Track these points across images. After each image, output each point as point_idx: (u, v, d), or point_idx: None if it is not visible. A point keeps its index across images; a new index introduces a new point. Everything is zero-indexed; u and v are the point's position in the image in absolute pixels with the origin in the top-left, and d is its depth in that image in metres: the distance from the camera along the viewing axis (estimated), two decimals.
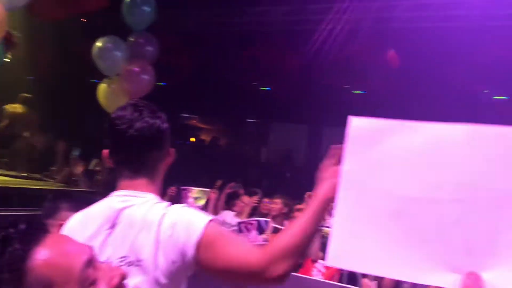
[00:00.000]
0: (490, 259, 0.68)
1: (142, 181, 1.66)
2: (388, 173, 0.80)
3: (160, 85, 11.92)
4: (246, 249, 1.51)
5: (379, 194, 0.79)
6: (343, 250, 0.81)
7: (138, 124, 1.63)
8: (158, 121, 1.67)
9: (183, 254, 1.51)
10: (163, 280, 1.51)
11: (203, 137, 15.58)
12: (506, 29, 8.73)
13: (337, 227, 0.82)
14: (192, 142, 15.38)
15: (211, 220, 1.54)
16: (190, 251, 1.50)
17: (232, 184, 6.90)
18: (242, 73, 11.02)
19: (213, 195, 6.45)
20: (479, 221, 0.71)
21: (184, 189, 6.27)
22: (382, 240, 0.77)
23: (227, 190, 6.72)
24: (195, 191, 6.20)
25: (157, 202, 1.62)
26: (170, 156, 1.75)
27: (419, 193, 0.76)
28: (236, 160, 12.34)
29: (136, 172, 1.67)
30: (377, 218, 0.79)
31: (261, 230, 5.42)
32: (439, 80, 9.39)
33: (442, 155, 0.76)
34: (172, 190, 6.33)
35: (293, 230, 1.45)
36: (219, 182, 6.98)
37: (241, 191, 6.78)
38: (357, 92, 11.16)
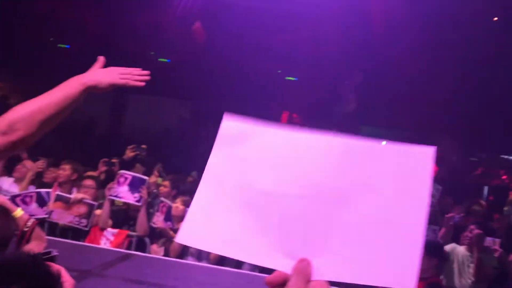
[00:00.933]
0: (322, 248, 0.80)
1: None
2: (247, 168, 0.91)
3: None
4: None
5: (236, 186, 0.90)
6: (195, 230, 0.88)
7: None
8: None
9: None
10: None
11: None
12: (301, 16, 9.61)
13: (194, 210, 0.89)
14: None
15: None
16: None
17: None
18: (37, 26, 9.96)
19: None
20: (317, 215, 0.83)
21: None
22: (232, 225, 0.87)
23: None
24: None
25: None
26: None
27: (271, 188, 0.87)
28: None
29: None
30: (231, 206, 0.88)
31: (42, 202, 4.98)
32: (239, 58, 9.87)
33: (296, 157, 0.89)
34: None
35: (34, 101, 1.58)
36: None
37: (24, 154, 5.96)
38: (163, 60, 11.08)
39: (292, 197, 0.86)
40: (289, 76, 11.17)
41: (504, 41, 9.20)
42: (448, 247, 5.18)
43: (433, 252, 4.63)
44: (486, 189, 9.10)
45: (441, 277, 5.13)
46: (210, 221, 0.89)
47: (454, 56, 9.28)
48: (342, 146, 0.88)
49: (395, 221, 0.81)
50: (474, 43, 9.28)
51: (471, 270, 5.04)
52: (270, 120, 0.91)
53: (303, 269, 0.76)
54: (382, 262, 0.78)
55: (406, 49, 9.11)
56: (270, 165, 0.91)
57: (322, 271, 0.78)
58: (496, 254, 5.10)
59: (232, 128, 0.96)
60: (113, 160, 6.62)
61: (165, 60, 11.02)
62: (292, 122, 11.54)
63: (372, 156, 0.87)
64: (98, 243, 5.06)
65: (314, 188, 0.85)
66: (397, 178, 0.84)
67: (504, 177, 9.31)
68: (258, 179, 0.90)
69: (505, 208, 7.26)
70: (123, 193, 5.16)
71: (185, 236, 0.88)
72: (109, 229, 5.18)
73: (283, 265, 0.80)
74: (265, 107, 10.00)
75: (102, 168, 6.49)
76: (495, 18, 9.98)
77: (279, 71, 10.96)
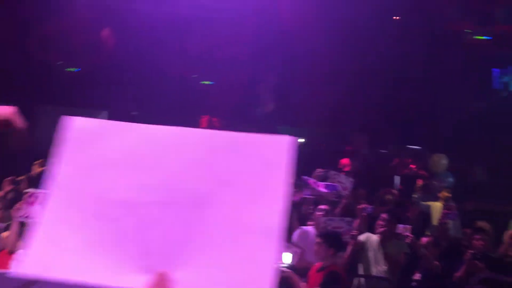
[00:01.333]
0: (182, 259, 0.72)
1: None
2: (100, 175, 0.80)
3: None
4: None
5: (88, 197, 0.79)
6: (41, 257, 0.75)
7: None
8: None
9: None
10: None
11: None
12: (214, 20, 9.66)
13: (41, 232, 0.76)
14: None
15: None
16: None
17: None
18: None
19: None
20: (175, 222, 0.75)
21: None
22: (81, 245, 0.76)
23: None
24: None
25: None
26: None
27: (123, 196, 0.77)
28: None
29: None
30: (82, 222, 0.78)
31: None
32: (152, 63, 9.72)
33: (152, 157, 0.79)
34: None
35: None
36: None
37: None
38: (71, 69, 10.65)
39: (149, 205, 0.77)
40: (205, 80, 11.16)
41: (405, 38, 9.84)
42: (362, 237, 5.43)
43: (330, 242, 4.84)
44: (397, 178, 9.61)
45: (359, 264, 5.39)
46: (58, 243, 0.76)
47: (360, 53, 9.77)
48: (199, 140, 0.81)
49: (250, 221, 0.77)
50: (378, 41, 9.83)
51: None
52: (189, 125, 0.84)
53: (159, 284, 0.70)
54: (238, 269, 0.74)
55: (316, 48, 9.45)
56: (124, 170, 0.80)
57: (182, 285, 0.72)
58: (408, 240, 5.43)
59: (82, 129, 0.84)
60: (19, 178, 6.25)
61: (74, 69, 10.60)
62: (212, 126, 11.55)
63: (229, 149, 0.82)
64: (7, 268, 4.76)
65: (171, 192, 0.77)
66: (254, 170, 0.80)
67: (412, 166, 9.90)
68: (110, 187, 0.79)
69: (414, 195, 7.74)
70: (34, 214, 4.88)
71: (27, 265, 0.75)
72: (20, 252, 4.89)
73: (138, 281, 0.71)
74: (183, 113, 9.92)
75: (8, 187, 6.11)
76: (396, 17, 10.66)
77: (195, 76, 10.93)
